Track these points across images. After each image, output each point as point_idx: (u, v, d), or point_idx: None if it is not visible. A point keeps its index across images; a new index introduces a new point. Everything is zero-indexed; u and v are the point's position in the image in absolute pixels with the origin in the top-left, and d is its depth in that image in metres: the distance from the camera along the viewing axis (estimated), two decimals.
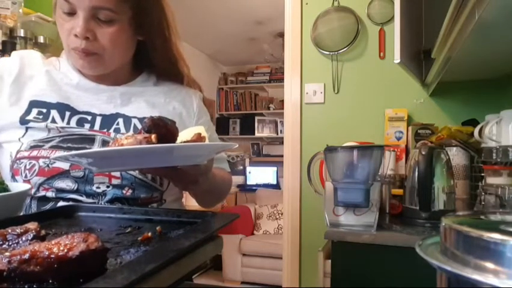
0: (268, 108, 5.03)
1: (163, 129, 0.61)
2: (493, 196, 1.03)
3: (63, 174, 0.77)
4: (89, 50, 0.79)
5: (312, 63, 1.98)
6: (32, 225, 0.45)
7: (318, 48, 1.95)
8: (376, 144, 1.35)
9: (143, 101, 0.90)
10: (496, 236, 0.33)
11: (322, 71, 1.96)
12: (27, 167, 0.77)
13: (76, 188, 0.78)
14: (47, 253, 0.35)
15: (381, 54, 1.87)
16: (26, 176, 0.76)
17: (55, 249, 0.35)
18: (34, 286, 0.35)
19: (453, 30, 0.92)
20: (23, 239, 0.42)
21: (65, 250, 0.35)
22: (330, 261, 1.04)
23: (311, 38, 1.96)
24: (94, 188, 0.78)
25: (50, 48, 2.16)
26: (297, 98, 2.00)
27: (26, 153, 0.77)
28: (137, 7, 0.83)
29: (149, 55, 0.91)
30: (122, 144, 0.56)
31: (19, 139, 0.79)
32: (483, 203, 1.06)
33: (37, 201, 0.78)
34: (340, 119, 1.93)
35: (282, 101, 2.41)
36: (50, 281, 0.35)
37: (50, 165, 0.77)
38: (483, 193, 1.07)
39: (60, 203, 0.76)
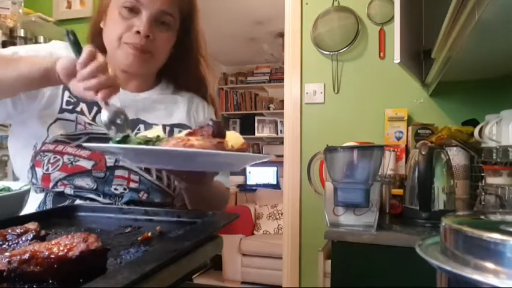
0: (268, 108, 5.03)
1: (222, 135, 0.62)
2: (493, 196, 1.03)
3: (84, 173, 0.78)
4: (146, 48, 0.83)
5: (312, 63, 1.98)
6: (32, 225, 0.45)
7: (318, 48, 1.94)
8: (376, 144, 1.36)
9: (163, 108, 0.93)
10: (496, 236, 0.33)
11: (322, 71, 1.96)
12: (51, 160, 0.77)
13: (95, 187, 0.79)
14: (47, 253, 0.35)
15: (381, 54, 1.86)
16: (47, 170, 0.77)
17: (55, 249, 0.35)
18: (34, 286, 0.35)
19: (453, 30, 0.92)
20: (23, 239, 0.42)
21: (65, 250, 0.35)
22: (330, 261, 1.04)
23: (311, 38, 1.96)
24: (113, 189, 0.79)
25: None
26: (297, 98, 2.00)
27: (51, 147, 0.78)
28: (183, 20, 0.89)
29: (176, 68, 0.95)
30: (192, 145, 0.54)
31: (48, 128, 0.80)
32: (483, 203, 1.06)
33: (53, 198, 0.78)
34: (340, 119, 1.93)
35: (282, 101, 2.41)
36: (50, 281, 0.35)
37: (73, 162, 0.78)
38: (483, 193, 1.07)
39: (78, 201, 0.77)
